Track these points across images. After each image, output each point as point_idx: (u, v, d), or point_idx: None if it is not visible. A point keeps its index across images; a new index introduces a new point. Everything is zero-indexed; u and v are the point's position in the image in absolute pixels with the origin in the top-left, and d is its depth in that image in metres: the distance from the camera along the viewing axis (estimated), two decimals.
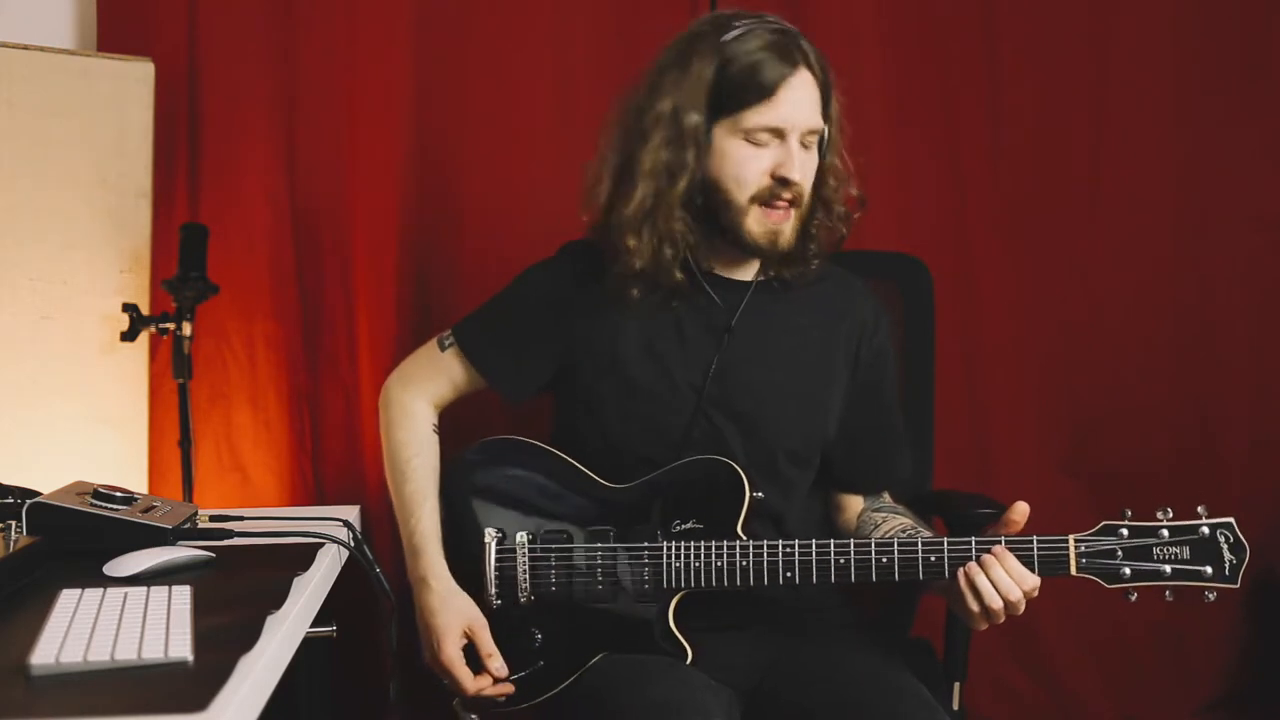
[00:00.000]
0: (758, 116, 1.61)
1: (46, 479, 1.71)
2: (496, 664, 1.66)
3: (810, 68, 1.62)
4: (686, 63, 1.64)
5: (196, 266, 2.12)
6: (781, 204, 1.65)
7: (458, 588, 1.70)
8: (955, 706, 1.84)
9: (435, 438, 1.83)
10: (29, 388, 2.11)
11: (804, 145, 1.64)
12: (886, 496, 1.83)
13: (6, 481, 1.70)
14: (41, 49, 2.14)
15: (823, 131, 1.67)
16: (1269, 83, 2.48)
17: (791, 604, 1.75)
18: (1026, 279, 2.49)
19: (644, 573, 1.66)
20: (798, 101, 1.61)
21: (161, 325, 2.13)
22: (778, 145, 1.63)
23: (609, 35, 2.41)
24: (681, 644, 1.65)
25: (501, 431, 1.81)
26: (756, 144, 1.63)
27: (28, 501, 1.55)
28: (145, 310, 2.17)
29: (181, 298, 2.11)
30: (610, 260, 1.72)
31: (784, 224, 1.66)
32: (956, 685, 1.85)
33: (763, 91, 1.60)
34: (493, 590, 1.72)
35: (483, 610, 1.72)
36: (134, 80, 2.20)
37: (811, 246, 1.73)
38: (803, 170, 1.64)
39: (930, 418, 2.08)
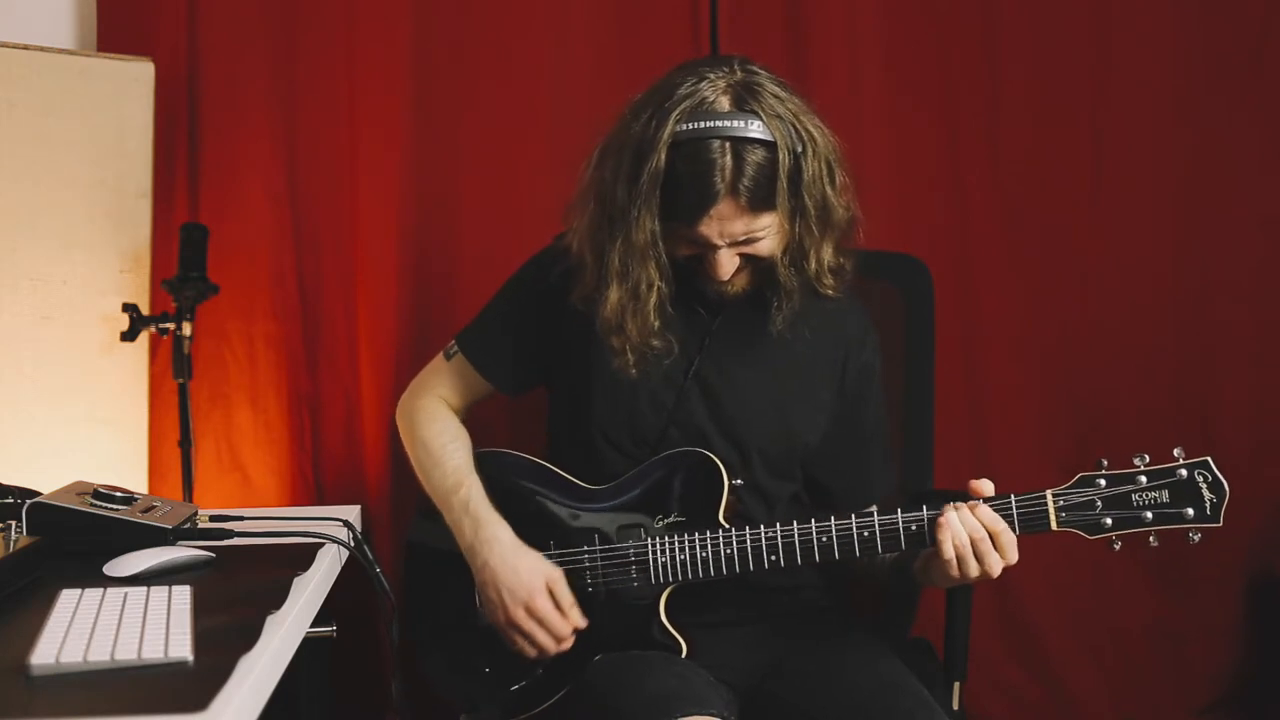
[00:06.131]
0: (684, 230, 1.59)
1: (46, 479, 1.71)
2: (577, 614, 1.66)
3: (737, 191, 1.54)
4: (647, 152, 1.56)
5: (196, 266, 2.12)
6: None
7: (524, 545, 1.69)
8: (955, 706, 1.84)
9: (465, 430, 1.83)
10: (29, 388, 2.11)
11: (738, 243, 1.60)
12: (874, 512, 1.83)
13: (6, 481, 1.70)
14: (41, 49, 2.14)
15: (771, 224, 1.59)
16: (1272, 80, 2.48)
17: (789, 604, 1.76)
18: (1026, 279, 2.48)
19: (632, 570, 1.67)
20: (717, 231, 1.57)
21: (161, 325, 2.13)
22: (705, 249, 1.61)
23: (609, 35, 2.41)
24: (676, 638, 1.66)
25: (503, 433, 1.81)
26: (685, 241, 1.61)
27: (28, 501, 1.55)
28: (145, 310, 2.17)
29: (181, 298, 2.11)
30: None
31: (732, 281, 1.64)
32: (956, 685, 1.85)
33: (685, 215, 1.57)
34: (480, 602, 1.72)
35: (474, 622, 1.73)
36: (134, 80, 2.20)
37: (792, 286, 1.68)
38: (730, 269, 1.61)
39: (930, 418, 2.07)
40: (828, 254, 1.66)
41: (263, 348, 2.38)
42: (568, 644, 1.67)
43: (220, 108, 2.34)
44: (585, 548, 1.69)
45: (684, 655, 1.65)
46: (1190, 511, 1.52)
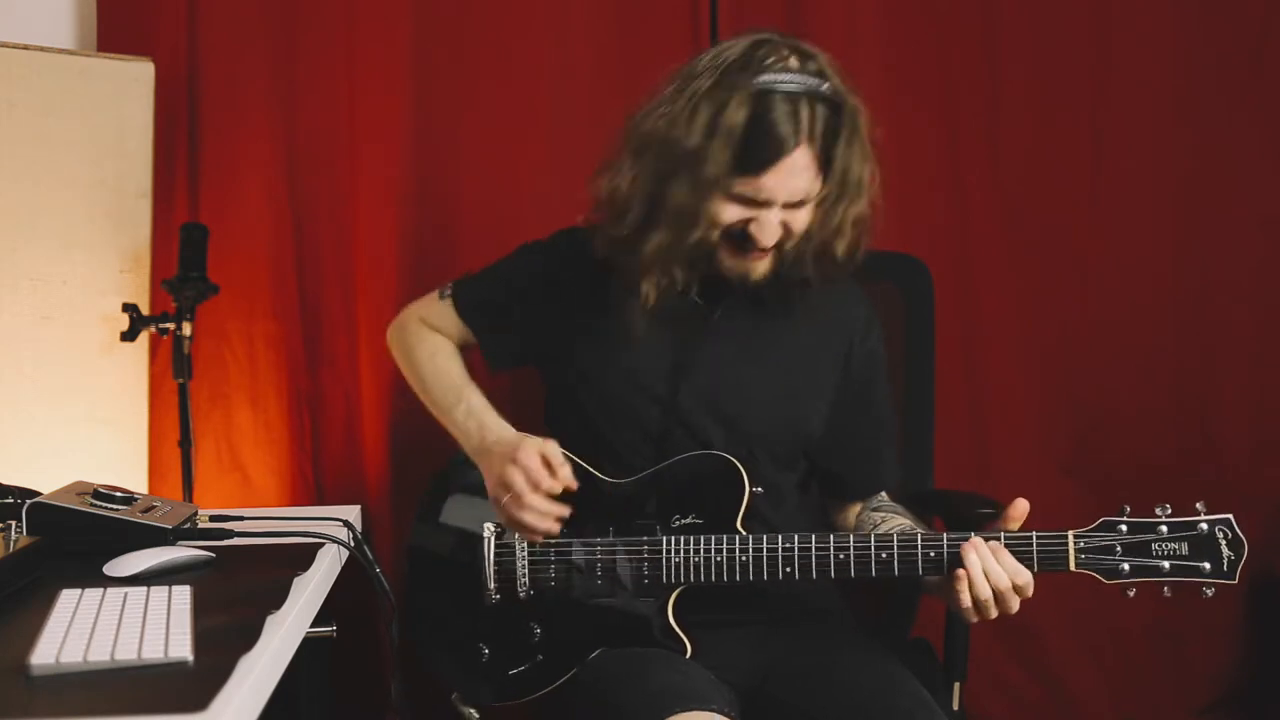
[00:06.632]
0: (744, 185, 1.59)
1: (46, 479, 1.71)
2: (567, 472, 1.65)
3: (813, 140, 1.57)
4: (723, 100, 1.58)
5: (196, 266, 2.12)
6: (754, 251, 1.64)
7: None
8: (955, 707, 1.84)
9: (459, 352, 1.87)
10: (29, 388, 2.11)
11: (787, 207, 1.62)
12: (885, 496, 1.83)
13: (6, 481, 1.70)
14: (41, 49, 2.14)
15: (820, 192, 1.62)
16: (1272, 80, 2.48)
17: (791, 605, 1.76)
18: (1026, 279, 2.49)
19: (643, 567, 1.66)
20: (783, 184, 1.58)
21: (161, 325, 2.13)
22: (756, 209, 1.61)
23: (609, 35, 2.41)
24: (681, 639, 1.65)
25: (506, 417, 1.80)
26: (738, 200, 1.61)
27: (28, 501, 1.55)
28: (145, 310, 2.17)
29: (181, 298, 2.11)
30: (605, 261, 1.72)
31: (757, 264, 1.66)
32: (956, 685, 1.85)
33: (755, 165, 1.57)
34: (491, 585, 1.72)
35: (481, 605, 1.73)
36: (134, 80, 2.20)
37: (805, 274, 1.69)
38: (774, 235, 1.62)
39: (930, 418, 2.07)
40: (847, 236, 1.67)
41: (263, 348, 2.38)
42: (541, 502, 1.63)
43: (220, 108, 2.34)
44: (599, 539, 1.68)
45: (687, 656, 1.65)
46: (1207, 566, 1.52)
